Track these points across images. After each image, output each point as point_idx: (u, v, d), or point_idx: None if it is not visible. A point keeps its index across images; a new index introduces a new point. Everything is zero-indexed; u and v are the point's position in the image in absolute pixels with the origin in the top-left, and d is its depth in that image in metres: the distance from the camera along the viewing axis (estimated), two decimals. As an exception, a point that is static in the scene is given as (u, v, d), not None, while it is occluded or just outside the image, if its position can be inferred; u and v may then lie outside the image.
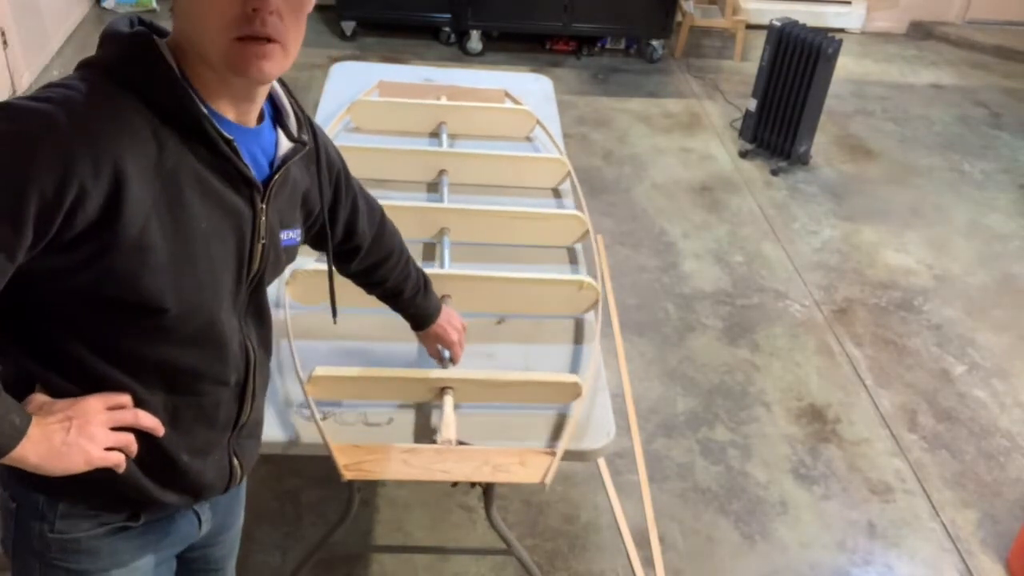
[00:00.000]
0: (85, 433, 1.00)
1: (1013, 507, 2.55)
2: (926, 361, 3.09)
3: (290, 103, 1.16)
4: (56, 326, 1.00)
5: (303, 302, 1.80)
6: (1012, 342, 3.22)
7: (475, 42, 5.11)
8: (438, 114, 2.48)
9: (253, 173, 1.06)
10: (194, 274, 1.02)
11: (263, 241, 1.11)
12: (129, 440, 1.06)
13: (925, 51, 5.80)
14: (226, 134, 1.01)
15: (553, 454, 1.53)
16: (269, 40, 0.97)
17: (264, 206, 1.09)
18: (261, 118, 1.10)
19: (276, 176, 1.10)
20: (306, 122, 1.18)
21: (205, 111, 0.99)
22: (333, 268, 1.33)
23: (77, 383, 1.03)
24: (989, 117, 4.96)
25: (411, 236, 2.00)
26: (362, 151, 2.25)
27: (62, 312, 0.99)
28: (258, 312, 1.19)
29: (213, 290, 1.06)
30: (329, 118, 2.45)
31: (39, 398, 1.02)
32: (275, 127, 1.13)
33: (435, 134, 2.47)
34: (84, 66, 0.99)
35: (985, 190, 4.22)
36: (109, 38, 1.00)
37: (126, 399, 1.05)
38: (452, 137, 2.47)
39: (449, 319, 1.64)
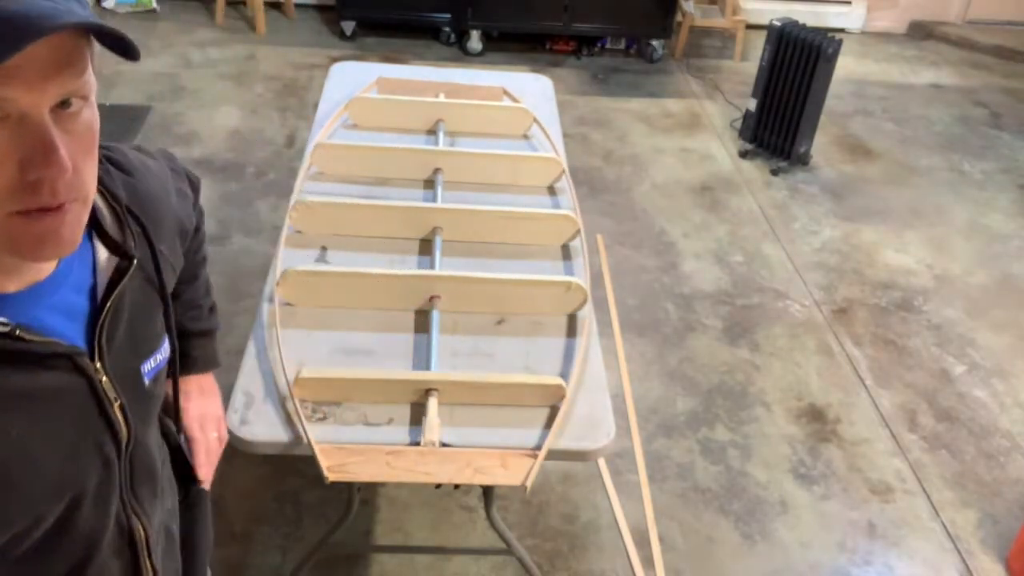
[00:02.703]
0: None
1: (1013, 507, 2.55)
2: (926, 361, 3.09)
3: (104, 198, 0.88)
4: None
5: (294, 302, 1.79)
6: (1012, 342, 3.22)
7: (475, 42, 5.11)
8: (436, 111, 2.48)
9: (64, 340, 0.79)
10: (17, 492, 0.77)
11: (119, 402, 0.86)
12: None
13: (925, 51, 5.80)
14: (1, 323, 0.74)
15: (535, 456, 1.53)
16: (61, 205, 0.71)
17: (100, 363, 0.83)
18: None
19: (105, 313, 0.84)
20: (126, 214, 0.89)
21: None
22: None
23: None
24: (989, 117, 4.96)
25: (404, 235, 2.01)
26: (358, 149, 2.25)
27: None
28: (146, 469, 0.94)
29: (55, 491, 0.82)
30: (327, 117, 2.45)
31: None
32: (89, 237, 0.86)
33: (432, 131, 2.47)
34: None
35: (985, 190, 4.22)
36: None
37: None
38: (450, 134, 2.47)
39: (204, 419, 1.27)
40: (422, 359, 1.72)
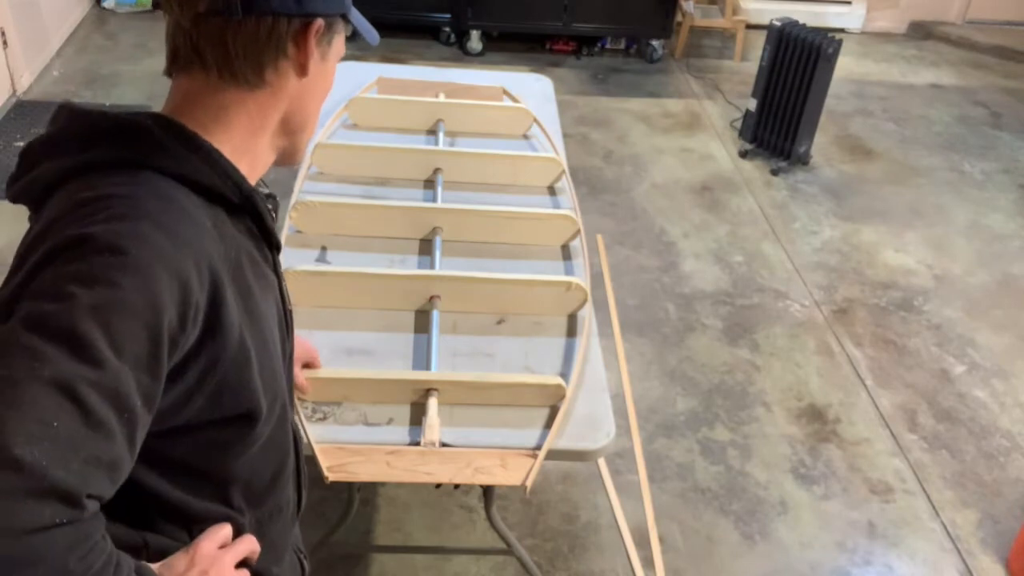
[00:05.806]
0: None
1: (1013, 507, 2.55)
2: (926, 361, 3.09)
3: None
4: (146, 475, 0.87)
5: (294, 302, 1.79)
6: (1012, 342, 3.22)
7: (475, 42, 5.11)
8: (435, 111, 2.48)
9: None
10: (271, 365, 0.91)
11: (290, 307, 1.01)
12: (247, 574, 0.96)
13: (925, 51, 5.80)
14: (268, 205, 0.92)
15: (535, 456, 1.53)
16: None
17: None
18: None
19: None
20: None
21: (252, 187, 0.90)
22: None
23: (170, 532, 0.92)
24: (989, 117, 4.96)
25: (404, 235, 2.01)
26: (358, 149, 2.25)
27: (157, 456, 0.86)
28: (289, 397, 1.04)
29: (281, 377, 0.95)
30: (327, 117, 2.45)
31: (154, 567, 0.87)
32: None
33: (432, 131, 2.48)
34: (116, 165, 0.81)
35: (985, 190, 4.22)
36: (123, 130, 0.83)
37: (228, 531, 0.94)
38: (450, 135, 2.47)
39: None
40: (422, 359, 1.72)
